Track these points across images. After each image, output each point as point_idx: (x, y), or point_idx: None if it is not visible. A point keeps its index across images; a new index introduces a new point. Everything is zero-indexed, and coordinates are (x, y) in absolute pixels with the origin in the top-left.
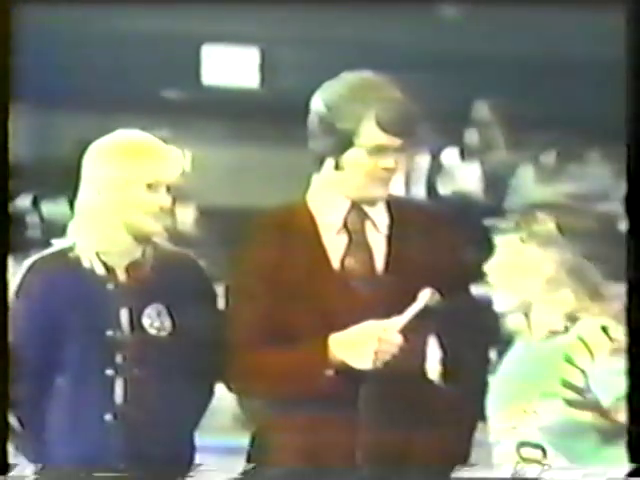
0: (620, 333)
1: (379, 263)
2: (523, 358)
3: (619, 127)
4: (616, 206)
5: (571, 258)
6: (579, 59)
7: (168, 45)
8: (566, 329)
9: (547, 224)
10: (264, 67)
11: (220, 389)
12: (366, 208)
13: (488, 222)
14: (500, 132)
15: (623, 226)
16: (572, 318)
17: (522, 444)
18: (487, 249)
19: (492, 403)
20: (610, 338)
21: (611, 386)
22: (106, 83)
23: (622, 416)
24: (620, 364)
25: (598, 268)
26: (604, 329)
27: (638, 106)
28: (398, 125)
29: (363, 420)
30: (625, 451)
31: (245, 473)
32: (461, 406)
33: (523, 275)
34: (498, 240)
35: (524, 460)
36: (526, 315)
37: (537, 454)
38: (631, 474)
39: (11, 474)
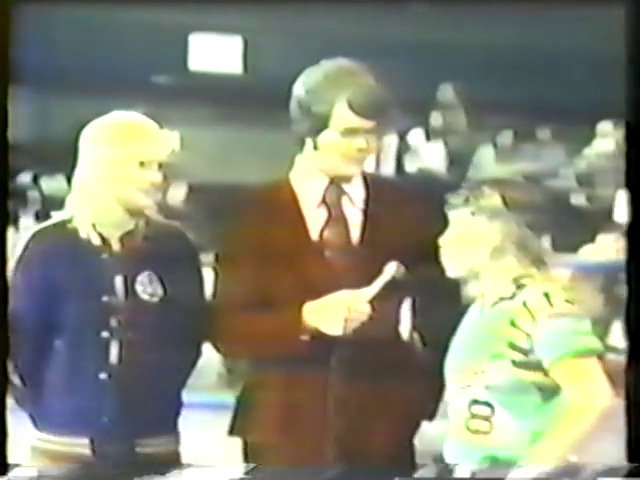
0: (561, 300)
1: (355, 235)
2: (475, 323)
3: (572, 110)
4: (565, 182)
5: (516, 229)
6: (537, 45)
7: (157, 34)
8: (513, 295)
9: (493, 198)
10: (247, 55)
11: (207, 350)
12: (343, 185)
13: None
14: (463, 114)
15: (573, 200)
16: (519, 285)
17: (473, 402)
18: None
19: (448, 364)
20: (551, 304)
21: (551, 348)
22: (101, 69)
23: (558, 374)
24: (559, 327)
25: (543, 239)
26: (546, 295)
27: (637, 105)
28: (369, 108)
29: (335, 379)
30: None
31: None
32: (430, 366)
33: (472, 245)
34: (451, 214)
35: (474, 417)
36: (479, 283)
37: (486, 411)
38: (630, 474)
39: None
